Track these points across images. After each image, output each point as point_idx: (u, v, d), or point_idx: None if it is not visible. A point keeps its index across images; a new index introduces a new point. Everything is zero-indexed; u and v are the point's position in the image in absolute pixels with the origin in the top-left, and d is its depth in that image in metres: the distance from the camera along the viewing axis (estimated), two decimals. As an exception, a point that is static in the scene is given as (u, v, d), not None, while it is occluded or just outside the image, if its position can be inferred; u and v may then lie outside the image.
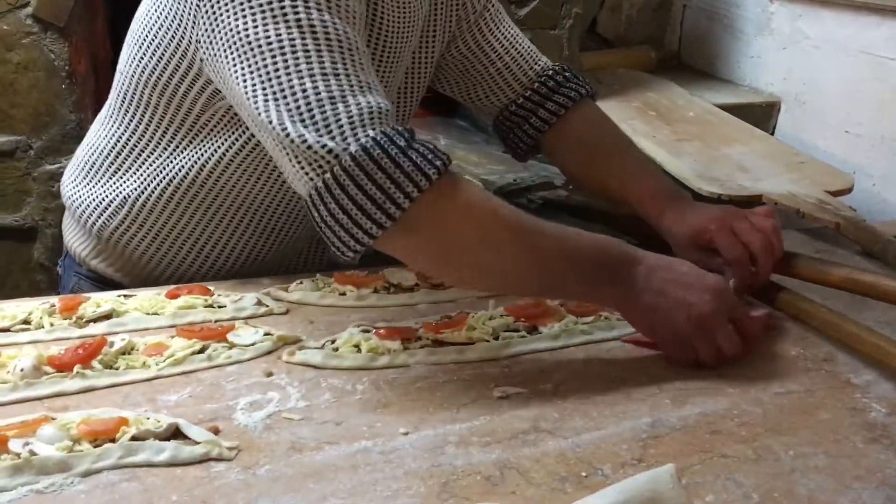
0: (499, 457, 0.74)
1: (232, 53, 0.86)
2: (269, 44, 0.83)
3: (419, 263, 0.90)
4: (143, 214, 1.06)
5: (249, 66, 0.84)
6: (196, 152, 1.02)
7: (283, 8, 0.83)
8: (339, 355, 0.89)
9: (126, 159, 1.06)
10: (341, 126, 0.81)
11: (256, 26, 0.84)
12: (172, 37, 0.95)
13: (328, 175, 0.81)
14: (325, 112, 0.81)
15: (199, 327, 0.93)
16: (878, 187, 1.75)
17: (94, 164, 1.09)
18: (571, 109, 1.18)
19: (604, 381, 0.87)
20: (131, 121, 1.04)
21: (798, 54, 1.98)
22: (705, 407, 0.83)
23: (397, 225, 0.81)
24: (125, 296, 1.00)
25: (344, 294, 1.03)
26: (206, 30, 0.89)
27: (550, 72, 1.20)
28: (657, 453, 0.75)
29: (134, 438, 0.73)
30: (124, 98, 1.04)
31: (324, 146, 0.80)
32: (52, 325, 0.93)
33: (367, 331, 0.93)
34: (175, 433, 0.75)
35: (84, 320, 0.94)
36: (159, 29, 0.97)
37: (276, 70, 0.83)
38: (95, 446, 0.72)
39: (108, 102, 1.10)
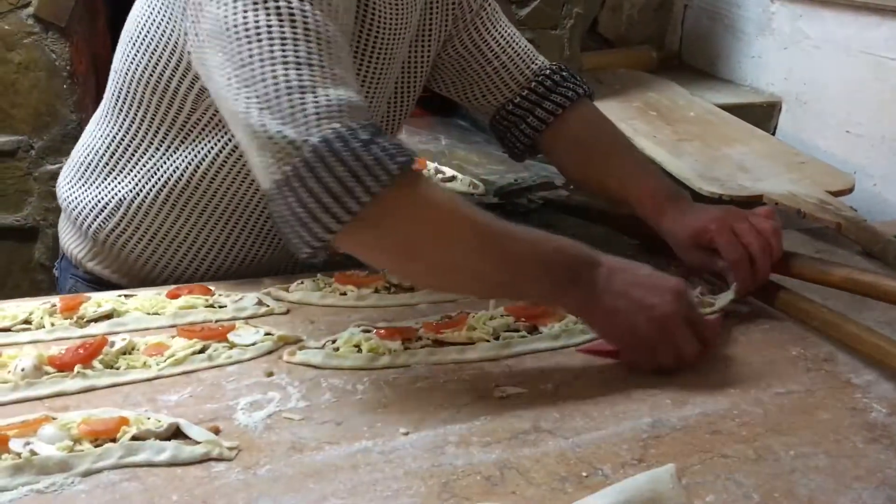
0: (499, 457, 0.74)
1: (212, 41, 0.85)
2: (247, 30, 0.81)
3: (379, 261, 0.87)
4: (138, 217, 1.05)
5: (226, 52, 0.83)
6: (190, 153, 1.01)
7: None
8: (340, 355, 0.89)
9: (120, 160, 1.05)
10: (307, 117, 0.78)
11: (237, 13, 0.82)
12: (164, 32, 0.95)
13: (288, 167, 0.78)
14: (292, 101, 0.79)
15: (200, 327, 0.93)
16: (879, 187, 1.75)
17: (90, 164, 1.08)
18: (569, 109, 1.17)
19: (604, 381, 0.87)
20: (125, 120, 1.04)
21: (799, 54, 1.98)
22: (706, 407, 0.83)
23: (356, 220, 0.78)
24: (126, 296, 1.00)
25: (345, 294, 1.03)
26: (193, 20, 0.88)
27: (547, 71, 1.19)
28: (657, 453, 0.75)
29: (134, 438, 0.73)
30: (118, 97, 1.04)
31: (284, 136, 0.78)
32: (52, 324, 0.93)
33: (368, 331, 0.94)
34: (175, 433, 0.75)
35: (85, 320, 0.94)
36: (151, 24, 0.97)
37: (251, 56, 0.81)
38: (96, 446, 0.72)
39: (102, 103, 1.09)
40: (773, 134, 1.98)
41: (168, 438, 0.74)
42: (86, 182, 1.09)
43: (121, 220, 1.06)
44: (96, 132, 1.09)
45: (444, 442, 0.76)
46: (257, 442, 0.75)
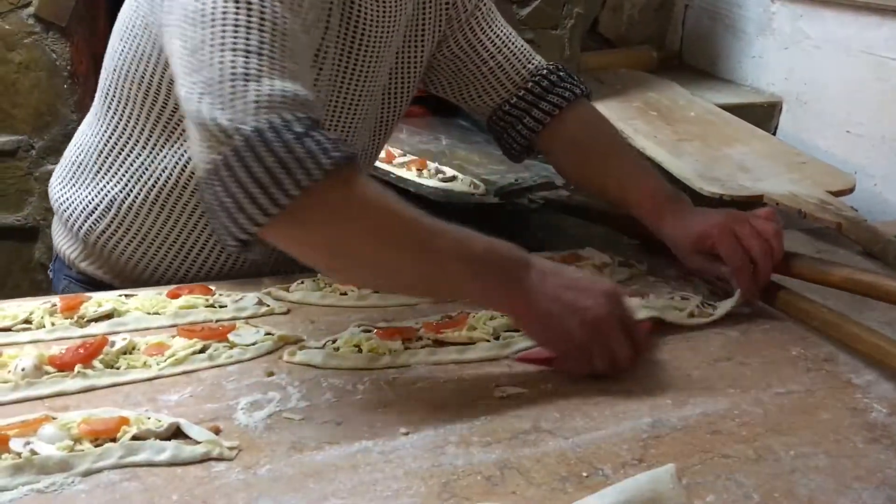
0: (499, 457, 0.74)
1: (175, 29, 0.84)
2: (203, 15, 0.80)
3: (307, 257, 0.84)
4: (128, 218, 1.05)
5: (183, 38, 0.82)
6: (176, 152, 1.01)
7: None
8: (340, 355, 0.89)
9: (107, 159, 1.04)
10: (245, 104, 0.76)
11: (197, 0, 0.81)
12: (146, 28, 0.95)
13: (218, 156, 0.76)
14: (234, 88, 0.77)
15: (200, 327, 0.93)
16: (880, 187, 1.75)
17: (81, 164, 1.08)
18: (566, 109, 1.16)
19: (604, 381, 0.87)
20: (112, 118, 1.03)
21: (799, 54, 1.98)
22: (706, 407, 0.83)
23: (285, 214, 0.76)
24: (126, 295, 1.00)
25: (345, 294, 1.03)
26: (167, 11, 0.87)
27: (544, 71, 1.18)
28: (658, 453, 0.75)
29: (135, 438, 0.73)
30: (106, 96, 1.04)
31: (218, 124, 0.76)
32: (53, 324, 0.93)
33: (368, 331, 0.94)
34: (176, 433, 0.75)
35: (85, 320, 0.94)
36: (136, 21, 0.97)
37: (202, 41, 0.79)
38: (96, 446, 0.72)
39: (93, 103, 1.09)
40: (774, 134, 1.98)
41: (168, 438, 0.74)
42: (76, 183, 1.08)
43: (111, 223, 1.05)
44: (87, 132, 1.08)
45: (445, 442, 0.76)
46: (257, 442, 0.75)
